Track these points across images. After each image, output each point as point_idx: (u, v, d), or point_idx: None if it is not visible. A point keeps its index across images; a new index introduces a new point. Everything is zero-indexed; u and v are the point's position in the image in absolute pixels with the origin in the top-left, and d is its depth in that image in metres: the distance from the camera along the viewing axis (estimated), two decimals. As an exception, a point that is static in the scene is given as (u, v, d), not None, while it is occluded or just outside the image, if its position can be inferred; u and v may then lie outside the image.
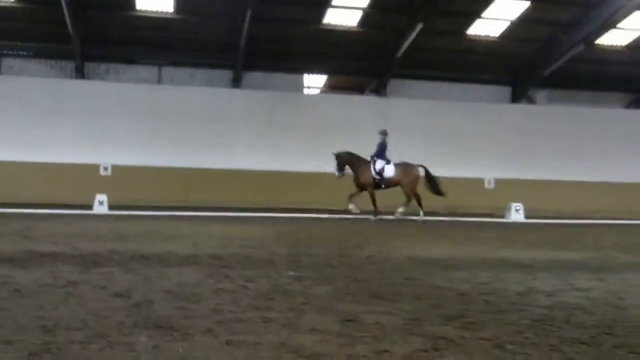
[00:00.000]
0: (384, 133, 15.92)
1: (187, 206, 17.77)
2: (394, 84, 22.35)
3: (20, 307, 4.04)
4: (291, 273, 5.82)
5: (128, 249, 7.36)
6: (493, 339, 3.53)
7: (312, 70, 22.81)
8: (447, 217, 16.78)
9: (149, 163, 19.33)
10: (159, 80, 21.37)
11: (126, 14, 19.19)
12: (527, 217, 17.48)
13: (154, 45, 20.52)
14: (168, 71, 21.44)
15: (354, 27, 20.39)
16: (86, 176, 18.76)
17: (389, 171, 15.65)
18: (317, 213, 16.65)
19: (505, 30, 20.79)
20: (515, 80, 23.00)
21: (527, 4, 19.49)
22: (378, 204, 15.57)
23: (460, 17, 20.18)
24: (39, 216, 13.51)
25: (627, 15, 19.87)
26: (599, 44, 21.32)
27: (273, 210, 17.03)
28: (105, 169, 19.47)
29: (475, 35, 21.05)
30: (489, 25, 20.69)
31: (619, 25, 20.50)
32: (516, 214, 17.51)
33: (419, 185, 15.93)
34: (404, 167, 15.89)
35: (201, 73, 21.49)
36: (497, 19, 20.35)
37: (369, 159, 15.71)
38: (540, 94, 23.50)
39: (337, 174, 15.69)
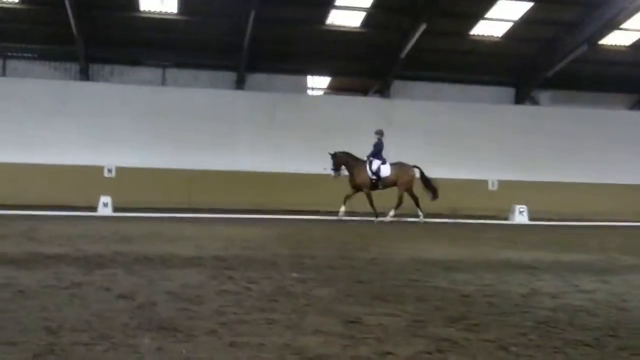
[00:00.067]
0: (379, 133, 15.87)
1: (190, 208, 17.79)
2: (397, 85, 22.29)
3: (24, 309, 4.05)
4: (294, 275, 5.82)
5: (132, 251, 7.37)
6: (497, 341, 3.53)
7: (315, 71, 22.77)
8: (450, 218, 16.75)
9: (152, 165, 19.35)
10: (163, 82, 21.42)
11: (130, 14, 19.22)
12: (531, 219, 17.43)
13: (158, 46, 20.54)
14: (172, 73, 21.47)
15: (357, 28, 20.35)
16: (90, 178, 18.78)
17: (385, 171, 15.59)
18: (318, 215, 16.63)
19: (508, 30, 20.71)
20: (519, 81, 22.92)
21: (530, 5, 19.45)
22: (375, 204, 15.53)
23: (463, 17, 20.13)
24: (43, 218, 13.53)
25: (630, 16, 19.80)
26: (602, 45, 21.22)
27: (275, 212, 17.02)
28: (109, 170, 19.51)
29: (478, 36, 20.98)
30: (491, 26, 20.62)
31: (623, 25, 20.42)
32: (520, 216, 17.44)
33: (415, 185, 15.90)
34: (400, 167, 15.85)
35: (205, 75, 21.50)
36: (500, 20, 20.30)
37: (365, 159, 15.69)
38: (544, 95, 23.42)
39: (333, 174, 15.67)
